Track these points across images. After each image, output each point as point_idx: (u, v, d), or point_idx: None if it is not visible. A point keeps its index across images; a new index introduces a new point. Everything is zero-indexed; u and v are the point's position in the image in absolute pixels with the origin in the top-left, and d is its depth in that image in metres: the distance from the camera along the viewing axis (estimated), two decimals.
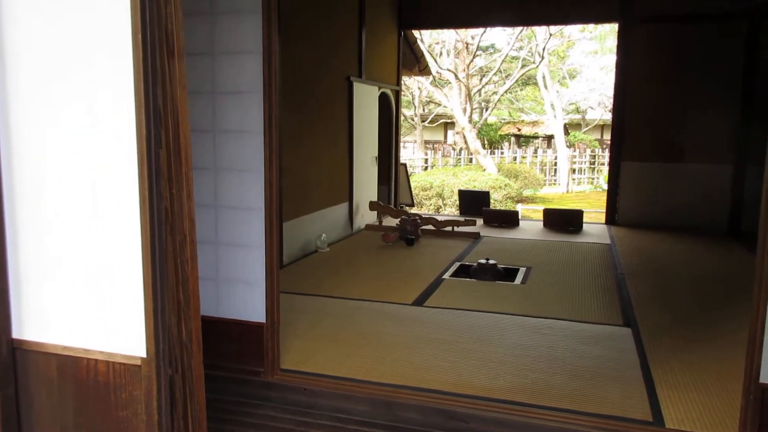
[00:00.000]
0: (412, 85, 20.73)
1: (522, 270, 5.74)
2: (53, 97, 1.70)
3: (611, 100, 8.53)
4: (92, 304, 1.74)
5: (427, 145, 23.78)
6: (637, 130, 8.17)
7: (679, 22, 7.82)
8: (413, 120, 22.47)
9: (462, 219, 7.78)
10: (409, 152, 22.28)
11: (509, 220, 8.37)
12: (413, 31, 9.90)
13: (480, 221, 8.36)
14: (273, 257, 3.16)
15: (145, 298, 1.65)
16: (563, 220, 8.12)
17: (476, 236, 7.38)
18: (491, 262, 5.59)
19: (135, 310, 1.67)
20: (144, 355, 1.67)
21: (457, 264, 5.96)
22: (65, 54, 1.67)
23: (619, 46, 8.24)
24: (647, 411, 2.93)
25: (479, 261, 5.65)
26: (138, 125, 1.59)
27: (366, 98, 7.77)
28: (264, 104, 3.04)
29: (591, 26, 20.31)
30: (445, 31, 17.93)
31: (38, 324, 1.80)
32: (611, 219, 8.42)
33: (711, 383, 3.24)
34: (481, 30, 18.09)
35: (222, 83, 3.11)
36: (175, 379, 1.80)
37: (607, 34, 20.05)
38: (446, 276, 5.51)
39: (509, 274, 5.63)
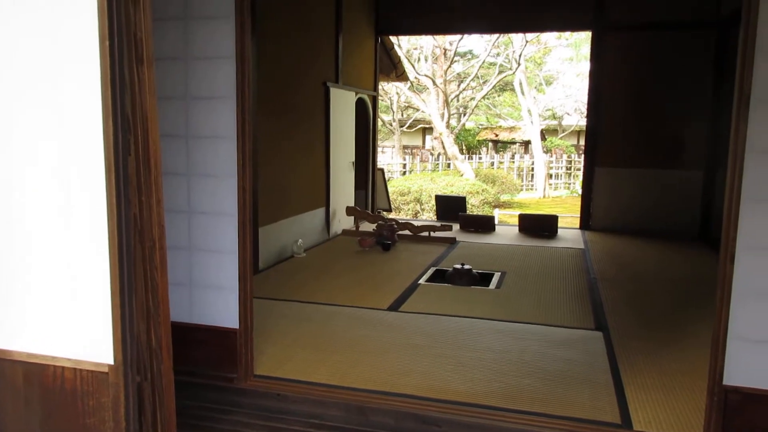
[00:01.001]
0: (391, 90, 20.80)
1: (497, 275, 5.79)
2: (19, 103, 1.69)
3: (586, 107, 8.66)
4: (59, 312, 1.73)
5: (406, 150, 23.85)
6: (611, 136, 8.31)
7: (651, 30, 7.98)
8: (392, 125, 22.53)
9: (438, 224, 7.83)
10: (388, 157, 22.33)
11: (485, 225, 8.44)
12: (390, 36, 9.95)
13: (456, 226, 8.41)
14: (246, 262, 3.16)
15: (113, 305, 1.65)
16: (538, 225, 8.21)
17: (452, 241, 7.43)
18: (466, 267, 5.64)
19: (102, 316, 1.67)
20: (111, 362, 1.67)
21: (433, 269, 5.99)
22: (31, 60, 1.67)
23: (592, 54, 8.38)
24: (616, 413, 2.98)
25: (455, 266, 5.69)
26: (105, 133, 1.59)
27: (343, 103, 7.79)
28: (237, 109, 3.05)
29: (567, 34, 20.59)
30: (423, 37, 18.03)
31: (4, 332, 1.78)
32: (585, 224, 8.54)
33: (679, 385, 3.30)
34: (458, 36, 18.24)
35: (195, 88, 3.10)
36: (144, 386, 1.79)
37: (583, 41, 20.34)
38: (422, 281, 5.54)
39: (484, 278, 5.68)
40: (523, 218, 8.46)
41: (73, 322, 1.71)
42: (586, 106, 8.57)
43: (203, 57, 3.07)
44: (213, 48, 3.04)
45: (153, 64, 1.82)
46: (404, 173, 19.52)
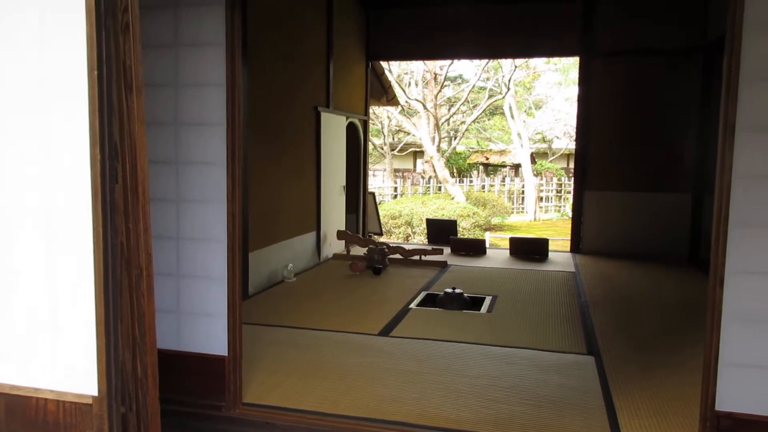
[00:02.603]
0: (382, 114, 20.94)
1: (488, 299, 5.78)
2: (5, 130, 1.68)
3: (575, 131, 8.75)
4: (43, 342, 1.70)
5: (397, 174, 23.93)
6: (600, 160, 8.38)
7: (638, 56, 8.09)
8: (383, 148, 22.64)
9: (429, 248, 7.82)
10: (379, 180, 22.40)
11: (476, 248, 8.44)
12: (381, 62, 10.04)
13: (447, 250, 8.41)
14: (235, 289, 3.14)
15: (98, 335, 1.62)
16: (529, 249, 8.22)
17: (443, 265, 7.42)
18: (457, 291, 5.62)
19: (87, 347, 1.64)
20: (95, 393, 1.64)
21: (424, 293, 5.97)
22: (19, 88, 1.67)
23: (580, 79, 8.48)
24: None
25: (446, 290, 5.68)
26: (93, 160, 1.59)
27: (334, 128, 7.83)
28: (227, 136, 3.05)
29: (555, 59, 20.86)
30: (413, 62, 18.22)
31: None
32: (576, 247, 8.56)
33: (671, 410, 3.28)
34: (448, 61, 18.44)
35: (185, 115, 3.11)
36: (129, 417, 1.76)
37: (571, 66, 20.61)
38: (413, 305, 5.52)
39: (475, 302, 5.66)
40: (514, 242, 8.47)
41: (56, 353, 1.68)
42: (575, 130, 8.65)
43: (194, 84, 3.07)
44: (203, 75, 3.05)
45: (142, 92, 1.83)
46: (395, 196, 19.56)
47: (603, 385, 3.65)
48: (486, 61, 18.17)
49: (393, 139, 23.44)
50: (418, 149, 24.01)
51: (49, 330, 1.69)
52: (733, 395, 2.58)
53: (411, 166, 27.27)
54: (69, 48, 1.58)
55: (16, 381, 1.69)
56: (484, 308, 5.47)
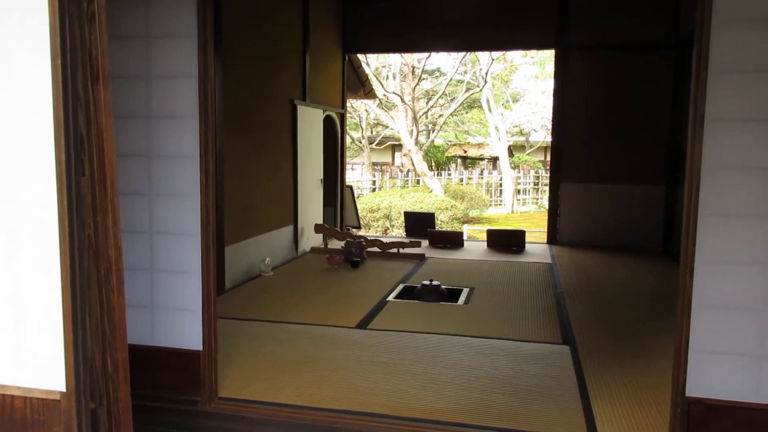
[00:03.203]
0: (360, 107, 20.89)
1: (465, 290, 5.81)
2: None
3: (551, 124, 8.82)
4: (8, 338, 1.67)
5: (375, 167, 23.91)
6: (576, 152, 8.45)
7: (613, 50, 8.17)
8: (361, 142, 22.60)
9: (407, 240, 7.83)
10: (357, 174, 22.36)
11: (454, 241, 8.48)
12: (358, 55, 10.00)
13: (425, 242, 8.43)
14: (210, 283, 3.11)
15: (65, 330, 1.60)
16: (506, 241, 8.28)
17: (421, 257, 7.44)
18: (435, 283, 5.64)
19: (54, 342, 1.61)
20: (63, 389, 1.61)
21: (402, 285, 5.98)
22: None
23: (556, 72, 8.54)
24: (583, 427, 2.99)
25: (423, 282, 5.69)
26: (57, 151, 1.55)
27: (310, 121, 7.79)
28: (200, 129, 3.01)
29: (532, 52, 20.99)
30: (390, 55, 18.20)
31: None
32: (552, 239, 8.64)
33: (644, 397, 3.34)
34: (425, 54, 18.45)
35: (157, 107, 3.06)
36: (99, 412, 1.74)
37: (547, 59, 20.74)
38: (390, 298, 5.53)
39: (453, 294, 5.68)
40: (491, 234, 8.52)
41: (22, 349, 1.65)
42: (551, 123, 8.72)
43: (165, 76, 3.03)
44: (174, 67, 3.01)
45: (109, 83, 1.79)
46: (374, 190, 19.56)
47: (578, 373, 3.69)
48: (464, 54, 18.21)
49: (371, 132, 23.41)
50: (396, 142, 24.03)
51: (13, 325, 1.66)
52: (703, 382, 2.62)
53: (389, 160, 27.28)
54: (31, 36, 1.55)
55: None
56: (461, 300, 5.50)
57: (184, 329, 3.14)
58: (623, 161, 8.26)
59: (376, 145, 23.78)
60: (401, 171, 22.22)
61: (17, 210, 1.62)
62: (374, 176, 21.29)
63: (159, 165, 3.09)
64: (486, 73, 18.54)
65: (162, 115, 3.06)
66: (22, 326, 1.65)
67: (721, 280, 2.57)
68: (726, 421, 2.62)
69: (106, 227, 1.79)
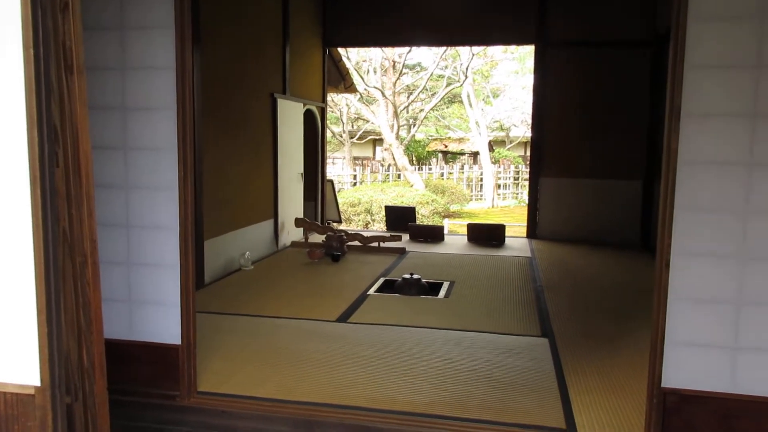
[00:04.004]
0: (341, 101, 20.82)
1: (446, 284, 5.83)
2: None
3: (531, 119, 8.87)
4: None
5: (356, 161, 23.87)
6: (555, 147, 8.52)
7: (591, 47, 8.24)
8: (342, 136, 22.53)
9: (388, 235, 7.84)
10: (338, 168, 22.30)
11: (434, 235, 8.50)
12: (339, 48, 9.96)
13: (406, 236, 8.44)
14: (188, 277, 3.09)
15: (39, 324, 1.57)
16: (486, 235, 8.32)
17: (402, 251, 7.45)
18: (415, 276, 5.66)
19: (27, 335, 1.59)
20: (38, 383, 1.59)
21: (383, 279, 5.99)
22: None
23: (536, 68, 8.59)
24: (561, 418, 3.02)
25: (404, 276, 5.71)
26: (30, 143, 1.52)
27: (291, 115, 7.75)
28: (178, 121, 2.98)
29: (513, 47, 21.07)
30: (370, 49, 18.15)
31: None
32: (532, 233, 8.70)
33: (620, 388, 3.38)
34: (406, 49, 18.43)
35: (133, 99, 3.02)
36: (75, 407, 1.72)
37: (527, 55, 20.83)
38: (371, 291, 5.53)
39: (433, 288, 5.71)
40: (471, 228, 8.56)
41: None
42: (531, 118, 8.78)
43: (141, 67, 2.99)
44: (151, 58, 2.97)
45: (83, 73, 1.77)
46: (355, 184, 19.52)
47: (556, 365, 3.73)
48: (444, 48, 18.23)
49: (352, 126, 23.35)
50: (377, 137, 24.00)
51: None
52: (678, 373, 2.66)
53: (370, 154, 27.24)
54: (2, 25, 1.51)
55: None
56: (441, 293, 5.52)
57: (162, 323, 3.12)
58: (602, 156, 8.34)
59: (357, 139, 23.72)
60: (382, 165, 22.21)
61: None
62: (355, 170, 21.25)
63: (135, 157, 3.06)
64: (467, 68, 18.57)
65: (138, 107, 3.02)
66: None
67: (696, 273, 2.61)
68: (700, 411, 2.66)
69: (81, 220, 1.77)
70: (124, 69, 3.01)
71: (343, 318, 4.67)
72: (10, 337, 1.61)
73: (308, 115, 8.62)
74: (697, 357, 2.65)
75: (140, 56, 2.98)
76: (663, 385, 2.69)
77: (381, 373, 3.55)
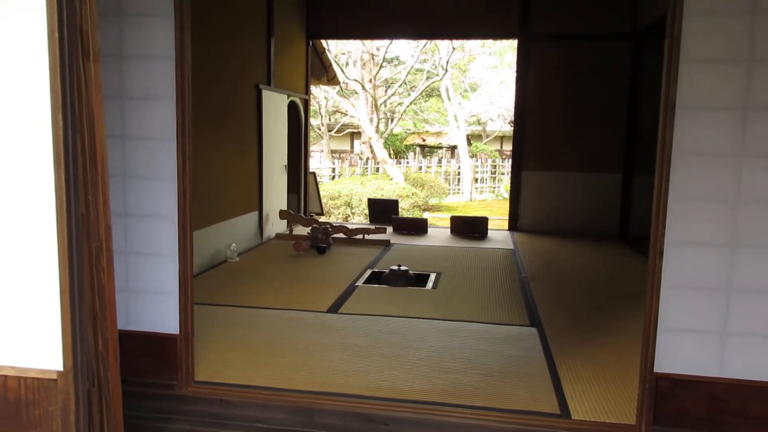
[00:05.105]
0: (319, 94, 20.74)
1: (432, 276, 5.89)
2: None
3: (510, 113, 8.97)
4: (1, 317, 1.63)
5: (334, 155, 23.82)
6: (536, 140, 8.62)
7: (573, 41, 8.35)
8: (320, 129, 22.45)
9: (372, 227, 7.87)
10: (316, 161, 22.21)
11: (418, 227, 8.56)
12: (321, 40, 9.94)
13: (389, 229, 8.48)
14: (186, 266, 3.08)
15: (62, 308, 1.57)
16: (469, 227, 8.40)
17: (387, 244, 7.49)
18: (403, 268, 5.70)
19: (50, 321, 1.59)
20: (60, 368, 1.59)
21: (370, 271, 6.02)
22: None
23: (518, 62, 8.67)
24: (554, 404, 3.10)
25: (391, 267, 5.75)
26: (54, 128, 1.52)
27: (275, 106, 7.72)
28: (177, 110, 2.97)
29: (490, 42, 21.20)
30: (353, 41, 18.10)
31: None
32: (513, 225, 8.81)
33: (610, 375, 3.47)
34: (386, 42, 18.43)
35: (131, 88, 3.01)
36: (93, 392, 1.72)
37: (506, 49, 20.99)
38: (359, 283, 5.56)
39: (420, 279, 5.76)
40: (454, 220, 8.63)
41: (17, 329, 1.62)
42: (509, 112, 8.88)
43: (140, 56, 2.97)
44: (150, 47, 2.95)
45: (99, 60, 1.76)
46: (333, 177, 19.49)
47: (546, 354, 3.81)
48: (425, 42, 18.27)
49: (330, 119, 23.28)
50: (355, 130, 23.98)
51: (8, 304, 1.63)
52: (670, 358, 2.75)
53: (348, 147, 27.20)
54: (28, 8, 1.50)
55: None
56: (429, 284, 5.58)
57: (160, 313, 3.11)
58: (582, 150, 8.47)
59: (335, 132, 23.67)
60: (361, 159, 22.20)
61: (14, 187, 1.59)
62: (333, 164, 21.21)
63: (133, 146, 3.04)
64: (447, 62, 18.64)
65: (136, 95, 3.00)
66: (17, 305, 1.61)
67: (689, 261, 2.69)
68: (691, 395, 2.76)
69: (96, 206, 1.77)
70: (121, 57, 2.98)
71: (334, 309, 4.70)
72: (32, 322, 1.61)
73: (292, 107, 8.59)
74: (688, 342, 2.74)
75: (138, 44, 2.96)
76: (655, 370, 2.77)
77: (375, 362, 3.59)
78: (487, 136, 25.63)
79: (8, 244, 1.61)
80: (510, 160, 8.89)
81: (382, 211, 9.77)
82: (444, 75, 19.12)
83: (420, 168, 21.62)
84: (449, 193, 19.58)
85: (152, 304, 3.11)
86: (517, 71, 8.68)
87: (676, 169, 2.64)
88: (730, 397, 2.73)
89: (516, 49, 8.75)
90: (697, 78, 2.59)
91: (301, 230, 7.86)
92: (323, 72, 10.27)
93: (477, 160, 21.54)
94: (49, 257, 1.57)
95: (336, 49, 18.98)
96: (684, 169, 2.64)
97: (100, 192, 1.78)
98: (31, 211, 1.57)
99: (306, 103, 9.29)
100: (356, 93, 19.58)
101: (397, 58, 23.31)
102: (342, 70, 18.32)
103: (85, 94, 1.72)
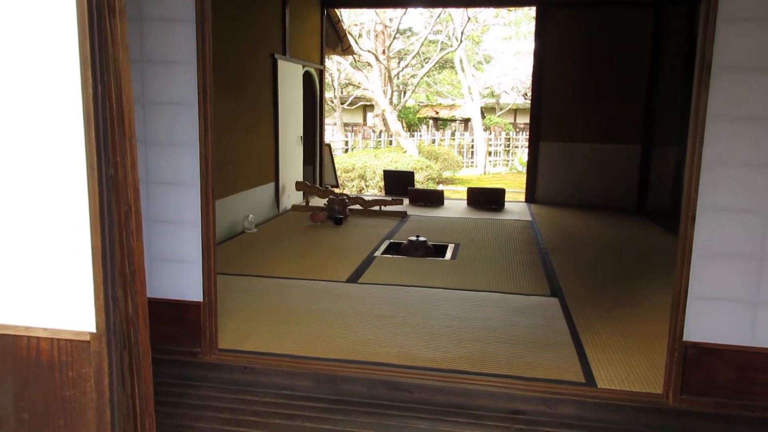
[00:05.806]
0: (332, 67, 20.54)
1: (451, 246, 5.85)
2: None
3: (524, 85, 8.82)
4: (33, 279, 1.61)
5: (347, 128, 23.68)
6: (555, 111, 8.49)
7: (592, 8, 8.15)
8: (332, 102, 22.30)
9: (389, 198, 7.83)
10: (329, 134, 22.11)
11: (434, 199, 8.50)
12: (336, 10, 9.79)
13: (406, 201, 8.43)
14: (209, 233, 3.07)
15: (94, 270, 1.55)
16: (486, 199, 8.34)
17: (403, 215, 7.45)
18: (421, 239, 5.67)
19: (83, 282, 1.57)
20: (94, 330, 1.57)
21: (387, 242, 6.00)
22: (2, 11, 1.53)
23: (536, 30, 8.50)
24: (580, 373, 3.07)
25: (409, 238, 5.71)
26: (84, 86, 1.48)
27: (290, 76, 7.64)
28: (198, 75, 2.92)
29: (504, 12, 20.84)
30: (366, 10, 17.86)
31: None
32: (531, 197, 8.73)
33: (635, 344, 3.44)
34: (399, 12, 18.16)
35: (151, 52, 2.95)
36: (124, 355, 1.71)
37: (521, 20, 20.64)
38: (377, 254, 5.54)
39: (439, 250, 5.73)
40: (471, 192, 8.57)
41: (49, 290, 1.60)
42: (523, 85, 8.74)
43: (159, 19, 2.92)
44: (170, 10, 2.89)
45: (125, 15, 1.71)
46: (347, 150, 19.40)
47: (569, 323, 3.78)
48: (439, 11, 17.97)
49: (342, 92, 23.10)
50: (367, 103, 23.77)
51: (40, 266, 1.61)
52: (700, 326, 2.71)
53: (361, 120, 27.02)
54: None
55: (6, 320, 1.60)
56: (448, 255, 5.55)
57: (183, 281, 3.10)
58: (600, 121, 8.33)
59: (348, 105, 23.50)
60: (374, 132, 22.06)
61: (45, 146, 1.56)
62: (347, 137, 21.09)
63: (154, 112, 3.00)
64: (461, 33, 18.35)
65: (156, 60, 2.95)
66: (49, 268, 1.59)
67: (721, 228, 2.63)
68: (719, 363, 2.72)
69: (125, 168, 1.74)
70: (141, 20, 2.93)
71: (353, 279, 4.68)
72: (64, 285, 1.59)
73: (307, 78, 8.50)
74: (719, 311, 2.69)
75: (158, 7, 2.90)
76: (684, 338, 2.73)
77: (397, 331, 3.58)
78: (501, 109, 25.32)
79: (39, 206, 1.58)
80: (524, 132, 8.77)
81: (398, 183, 9.71)
82: (458, 46, 18.82)
83: (433, 141, 21.46)
84: (463, 166, 19.45)
85: (175, 271, 3.10)
86: (536, 40, 8.52)
87: (711, 133, 2.57)
88: (760, 366, 2.69)
89: (534, 18, 8.56)
90: (736, 37, 2.50)
91: (317, 201, 7.83)
92: (338, 42, 10.14)
93: (491, 133, 21.33)
94: (80, 219, 1.55)
95: (348, 20, 18.74)
96: (719, 134, 2.56)
97: (128, 154, 1.75)
98: (61, 171, 1.54)
99: (321, 74, 9.19)
100: (369, 65, 19.37)
101: (410, 29, 22.99)
102: (356, 42, 18.10)
103: (112, 52, 1.67)
